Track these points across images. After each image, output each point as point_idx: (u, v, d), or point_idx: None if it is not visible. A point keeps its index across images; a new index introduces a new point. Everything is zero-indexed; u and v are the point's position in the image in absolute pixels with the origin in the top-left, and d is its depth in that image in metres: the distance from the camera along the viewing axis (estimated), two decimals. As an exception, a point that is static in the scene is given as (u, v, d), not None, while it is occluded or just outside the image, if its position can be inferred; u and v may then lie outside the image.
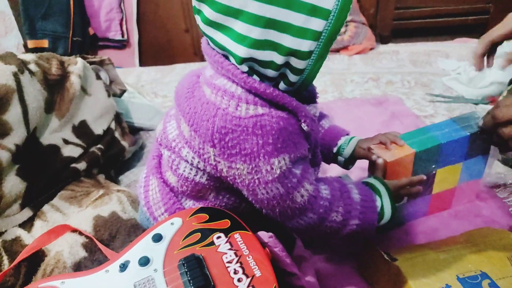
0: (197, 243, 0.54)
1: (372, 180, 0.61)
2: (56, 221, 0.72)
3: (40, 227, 0.71)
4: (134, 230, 0.68)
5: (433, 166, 0.68)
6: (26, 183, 0.74)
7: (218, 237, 0.55)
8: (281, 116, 0.50)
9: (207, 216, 0.58)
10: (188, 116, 0.53)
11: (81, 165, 0.84)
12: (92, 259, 0.63)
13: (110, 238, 0.66)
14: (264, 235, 0.55)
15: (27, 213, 0.73)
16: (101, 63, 1.10)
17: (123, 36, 2.01)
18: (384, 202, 0.58)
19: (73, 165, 0.83)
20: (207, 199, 0.61)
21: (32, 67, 0.83)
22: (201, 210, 0.59)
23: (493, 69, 1.37)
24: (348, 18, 1.91)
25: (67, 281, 0.52)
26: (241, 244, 0.54)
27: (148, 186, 0.65)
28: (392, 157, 0.63)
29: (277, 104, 0.51)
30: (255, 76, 0.50)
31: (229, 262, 0.52)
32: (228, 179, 0.54)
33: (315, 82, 0.56)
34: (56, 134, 0.85)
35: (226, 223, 0.57)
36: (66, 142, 0.85)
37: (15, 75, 0.76)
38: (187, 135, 0.55)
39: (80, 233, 0.66)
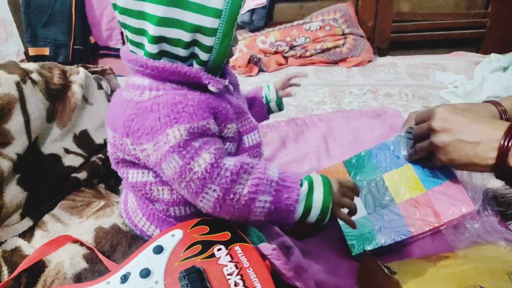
0: (198, 255, 0.54)
1: (313, 174, 0.59)
2: (57, 232, 0.72)
3: (40, 237, 0.71)
4: (135, 241, 0.68)
5: (376, 172, 0.76)
6: (27, 193, 0.74)
7: (219, 249, 0.55)
8: (180, 93, 0.55)
9: (208, 228, 0.58)
10: (109, 120, 0.60)
11: (82, 175, 0.84)
12: (93, 270, 0.63)
13: (111, 250, 0.66)
14: (267, 247, 0.55)
15: (27, 223, 0.73)
16: (103, 72, 1.10)
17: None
18: (315, 190, 0.55)
19: (74, 174, 0.83)
20: (165, 197, 0.62)
21: (35, 76, 0.83)
22: (202, 222, 0.59)
23: (490, 82, 1.39)
24: (347, 30, 1.94)
25: (68, 292, 0.52)
26: (241, 256, 0.54)
27: (127, 200, 0.69)
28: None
29: (188, 83, 0.56)
30: (164, 59, 0.56)
31: (230, 274, 0.52)
32: (147, 164, 0.57)
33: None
34: (57, 143, 0.85)
35: (226, 235, 0.57)
36: (67, 151, 0.85)
37: (18, 84, 0.77)
38: (112, 140, 0.60)
39: (81, 244, 0.66)
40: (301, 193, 0.55)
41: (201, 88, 0.57)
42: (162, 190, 0.61)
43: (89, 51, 1.95)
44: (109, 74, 1.10)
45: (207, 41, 0.54)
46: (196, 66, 0.57)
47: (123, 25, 0.56)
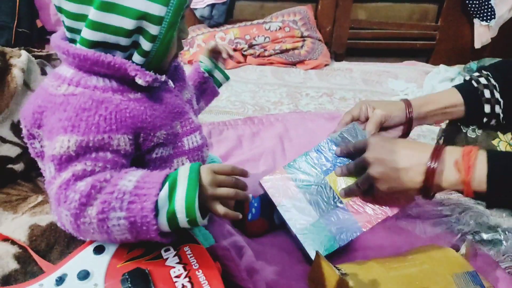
0: (143, 256, 0.51)
1: (187, 164, 0.51)
2: (-15, 228, 0.65)
3: (-35, 234, 0.64)
4: (74, 241, 0.63)
5: (319, 175, 0.76)
6: (-47, 184, 0.66)
7: (167, 250, 0.52)
8: (96, 97, 0.51)
9: (156, 227, 0.55)
10: (22, 112, 0.55)
11: (19, 166, 0.78)
12: (24, 271, 0.57)
13: (47, 249, 0.60)
14: (218, 247, 0.53)
15: (-49, 217, 0.66)
16: (48, 57, 1.03)
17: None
18: (177, 190, 0.48)
19: (10, 165, 0.77)
20: None
21: (-32, 56, 0.76)
22: (150, 220, 0.56)
23: (439, 91, 1.46)
24: (305, 33, 1.96)
25: (-7, 296, 0.46)
26: (191, 257, 0.52)
27: None
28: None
29: (119, 78, 0.53)
30: (99, 49, 0.52)
31: (177, 276, 0.49)
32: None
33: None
34: (-8, 131, 0.78)
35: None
36: (3, 140, 0.79)
37: None
38: (24, 130, 0.55)
39: (13, 243, 0.60)
40: (159, 199, 0.47)
41: (134, 85, 0.54)
42: None
43: (35, 35, 1.82)
44: (55, 60, 1.03)
45: (153, 29, 0.51)
46: (136, 57, 0.54)
47: (59, 9, 0.52)
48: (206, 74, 0.81)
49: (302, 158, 0.79)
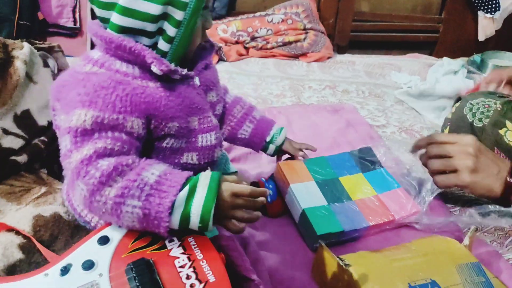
0: (147, 247, 0.52)
1: (208, 172, 0.52)
2: (-10, 219, 0.65)
3: (-30, 225, 0.64)
4: (78, 231, 0.63)
5: (333, 175, 0.82)
6: (-43, 176, 0.67)
7: (171, 241, 0.52)
8: (116, 78, 0.53)
9: (160, 217, 0.55)
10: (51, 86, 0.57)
11: (22, 158, 0.77)
12: (29, 261, 0.57)
13: (51, 239, 0.61)
14: (222, 238, 0.53)
15: (-45, 208, 0.66)
16: (50, 50, 1.02)
17: (75, 24, 1.90)
18: (196, 195, 0.49)
19: (13, 157, 0.76)
20: None
21: (-30, 48, 0.75)
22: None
23: (442, 84, 1.45)
24: (308, 25, 1.94)
25: (-2, 286, 0.47)
26: (195, 248, 0.52)
27: None
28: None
29: (140, 65, 0.55)
30: (128, 36, 0.54)
31: (182, 267, 0.49)
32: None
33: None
34: (-5, 123, 0.77)
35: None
36: (6, 132, 0.78)
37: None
38: (50, 105, 0.57)
39: (17, 233, 0.60)
40: (178, 199, 0.49)
41: (155, 74, 0.55)
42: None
43: (36, 27, 1.81)
44: (57, 52, 1.03)
45: (178, 14, 0.53)
46: (162, 44, 0.55)
47: (91, 1, 0.55)
48: (265, 141, 0.80)
49: (320, 158, 0.86)
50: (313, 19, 1.98)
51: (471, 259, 0.61)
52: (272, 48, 1.87)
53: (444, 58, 1.73)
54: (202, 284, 0.47)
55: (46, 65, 0.94)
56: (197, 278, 0.48)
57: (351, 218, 0.73)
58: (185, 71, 0.58)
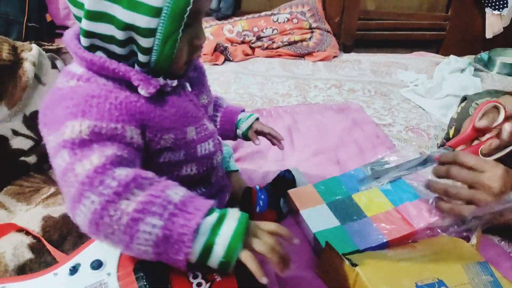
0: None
1: (237, 209, 0.48)
2: (0, 219, 0.66)
3: (-19, 225, 0.65)
4: (87, 231, 0.64)
5: (345, 194, 0.80)
6: (-32, 177, 0.68)
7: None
8: (105, 88, 0.49)
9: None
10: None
11: (31, 159, 0.79)
12: (39, 261, 0.58)
13: (60, 239, 0.62)
14: None
15: (-33, 209, 0.67)
16: (58, 51, 1.04)
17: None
18: (225, 223, 0.45)
19: (22, 158, 0.78)
20: None
21: (-20, 50, 0.77)
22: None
23: (449, 82, 1.44)
24: (314, 25, 1.94)
25: (8, 285, 0.47)
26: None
27: None
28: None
29: (126, 82, 0.50)
30: (99, 53, 0.50)
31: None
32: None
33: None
34: (5, 124, 0.79)
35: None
36: (15, 133, 0.79)
37: (-40, 58, 0.70)
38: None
39: (27, 233, 0.61)
40: (203, 224, 0.44)
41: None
42: None
43: (44, 29, 1.83)
44: (65, 54, 1.04)
45: (144, 42, 0.47)
46: (137, 67, 0.51)
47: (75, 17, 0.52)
48: (235, 133, 0.80)
49: (332, 179, 0.85)
50: (319, 18, 1.97)
51: (479, 259, 0.61)
52: (278, 47, 1.87)
53: (451, 56, 1.72)
54: (209, 283, 0.48)
55: (54, 66, 0.95)
56: (203, 277, 0.48)
57: (366, 236, 0.70)
58: (175, 83, 0.54)
